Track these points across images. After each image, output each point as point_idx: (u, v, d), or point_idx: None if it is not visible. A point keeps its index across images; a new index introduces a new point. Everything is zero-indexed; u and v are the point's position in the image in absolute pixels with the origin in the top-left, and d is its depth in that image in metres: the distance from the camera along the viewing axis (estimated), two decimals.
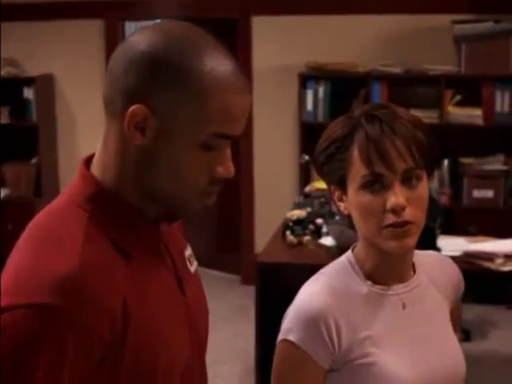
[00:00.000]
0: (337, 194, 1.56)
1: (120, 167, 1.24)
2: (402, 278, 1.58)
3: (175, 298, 1.31)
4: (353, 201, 1.51)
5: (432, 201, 1.61)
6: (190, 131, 1.19)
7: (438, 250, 3.53)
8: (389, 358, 1.50)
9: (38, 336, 1.10)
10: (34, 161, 6.16)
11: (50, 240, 1.19)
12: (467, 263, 3.64)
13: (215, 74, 1.19)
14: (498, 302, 5.40)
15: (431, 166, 1.53)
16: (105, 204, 1.24)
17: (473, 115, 5.40)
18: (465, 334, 4.77)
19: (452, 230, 4.30)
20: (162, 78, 1.18)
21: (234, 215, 6.19)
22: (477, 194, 5.47)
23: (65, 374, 1.11)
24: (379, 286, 1.55)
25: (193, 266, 1.42)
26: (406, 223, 1.46)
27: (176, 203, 1.26)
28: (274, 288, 3.73)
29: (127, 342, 1.17)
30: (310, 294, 1.52)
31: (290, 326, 1.50)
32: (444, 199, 5.39)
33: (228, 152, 1.25)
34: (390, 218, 1.46)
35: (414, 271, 1.61)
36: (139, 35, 1.22)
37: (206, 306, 1.44)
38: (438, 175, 5.37)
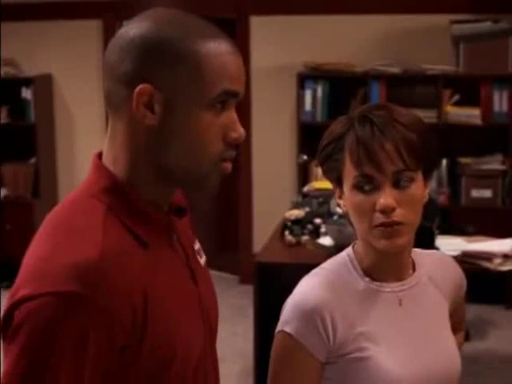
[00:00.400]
0: (337, 191, 1.59)
1: (132, 157, 1.25)
2: (399, 276, 1.59)
3: (189, 287, 1.33)
4: (348, 200, 1.54)
5: (430, 201, 1.61)
6: (196, 97, 1.22)
7: (436, 249, 3.52)
8: (383, 354, 1.52)
9: (63, 323, 1.12)
10: (32, 161, 6.16)
11: (70, 230, 1.21)
12: (465, 263, 3.64)
13: (206, 41, 1.23)
14: (497, 301, 5.41)
15: (427, 167, 1.53)
16: (119, 195, 1.25)
17: (471, 115, 5.40)
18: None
19: (450, 230, 4.29)
20: (157, 55, 1.21)
21: (233, 215, 6.19)
22: (475, 193, 5.47)
23: (87, 361, 1.13)
24: (376, 283, 1.57)
25: (202, 259, 1.44)
26: (395, 223, 1.48)
27: (194, 178, 1.27)
28: (273, 288, 3.73)
29: (147, 331, 1.19)
30: (308, 287, 1.54)
31: (287, 317, 1.53)
32: (442, 199, 5.40)
33: (235, 115, 1.28)
34: (380, 218, 1.48)
35: (414, 270, 1.62)
36: (128, 25, 1.28)
37: (215, 298, 1.46)
38: (436, 175, 5.37)
